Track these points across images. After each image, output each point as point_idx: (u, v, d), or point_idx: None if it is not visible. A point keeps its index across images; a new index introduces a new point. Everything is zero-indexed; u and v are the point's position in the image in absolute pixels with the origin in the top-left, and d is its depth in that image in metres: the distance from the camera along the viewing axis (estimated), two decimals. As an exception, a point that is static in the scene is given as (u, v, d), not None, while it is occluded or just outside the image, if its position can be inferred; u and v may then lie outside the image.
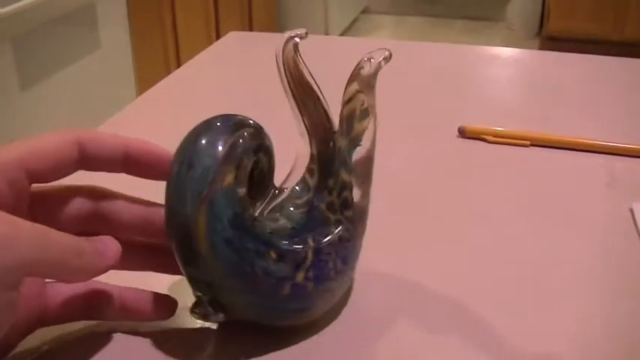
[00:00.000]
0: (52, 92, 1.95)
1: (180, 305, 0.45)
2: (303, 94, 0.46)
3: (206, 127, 0.42)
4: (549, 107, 0.80)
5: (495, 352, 0.43)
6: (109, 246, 0.41)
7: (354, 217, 0.45)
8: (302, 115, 0.46)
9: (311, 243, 0.43)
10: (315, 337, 0.44)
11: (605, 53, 0.95)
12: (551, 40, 3.80)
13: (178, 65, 2.53)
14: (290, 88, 0.46)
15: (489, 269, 0.52)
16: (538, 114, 0.78)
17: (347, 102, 0.46)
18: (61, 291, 0.43)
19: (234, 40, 1.02)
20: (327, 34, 3.75)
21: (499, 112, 0.78)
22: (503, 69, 0.93)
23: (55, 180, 0.42)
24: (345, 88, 0.46)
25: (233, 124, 0.42)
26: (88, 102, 2.08)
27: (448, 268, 0.52)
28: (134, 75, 2.34)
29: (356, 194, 0.45)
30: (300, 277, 0.43)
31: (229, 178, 0.40)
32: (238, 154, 0.41)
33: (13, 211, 0.36)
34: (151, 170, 0.44)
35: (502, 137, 0.70)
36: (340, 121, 0.46)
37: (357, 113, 0.46)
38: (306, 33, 0.46)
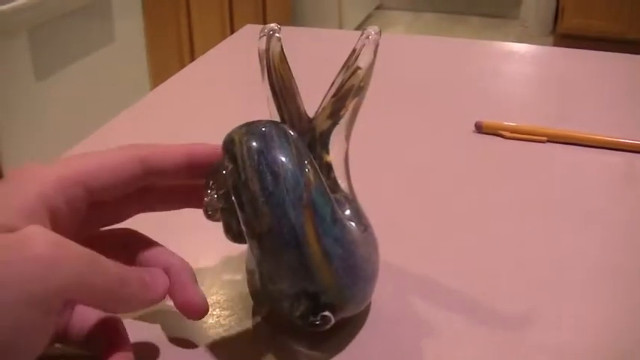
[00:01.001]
0: (67, 83, 1.96)
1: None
2: (283, 87, 0.45)
3: (257, 137, 0.40)
4: (565, 104, 0.79)
5: (514, 348, 0.43)
6: (158, 280, 0.40)
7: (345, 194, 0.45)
8: (281, 107, 0.45)
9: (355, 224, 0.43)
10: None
11: (620, 51, 0.95)
12: (566, 38, 3.78)
13: (192, 58, 2.53)
14: (272, 80, 0.45)
15: (506, 265, 0.51)
16: (554, 110, 0.77)
17: (348, 78, 0.46)
18: (87, 316, 0.41)
19: (249, 33, 1.02)
20: (341, 29, 3.74)
21: (515, 108, 0.78)
22: (520, 65, 0.92)
23: (115, 197, 0.42)
24: (345, 66, 0.46)
25: (270, 124, 0.41)
26: (101, 94, 2.08)
27: (464, 263, 0.51)
28: (148, 68, 2.34)
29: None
30: (374, 256, 0.44)
31: (312, 176, 0.39)
32: (303, 151, 0.40)
33: (66, 227, 0.36)
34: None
35: (519, 133, 0.70)
36: (328, 101, 0.46)
37: (353, 90, 0.45)
38: (279, 27, 0.45)
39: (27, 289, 0.32)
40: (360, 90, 0.45)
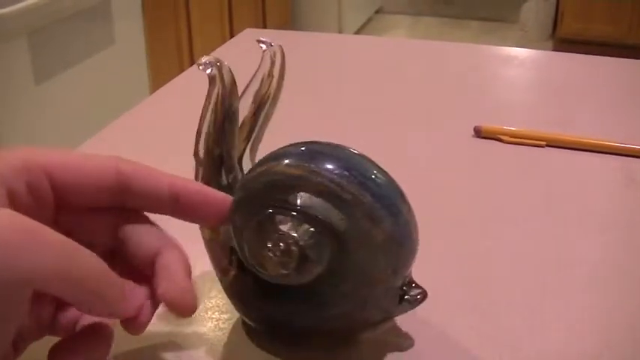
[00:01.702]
0: (67, 87, 1.96)
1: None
2: (230, 118, 0.45)
3: (310, 156, 0.40)
4: (564, 108, 0.79)
5: (512, 352, 0.43)
6: (136, 296, 0.38)
7: None
8: (220, 138, 0.44)
9: None
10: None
11: (620, 56, 0.95)
12: (565, 43, 3.79)
13: (192, 62, 2.54)
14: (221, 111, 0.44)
15: (505, 269, 0.51)
16: (553, 115, 0.77)
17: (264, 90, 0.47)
18: (74, 314, 0.39)
19: (250, 37, 1.02)
20: (340, 32, 3.75)
21: (514, 113, 0.78)
22: (519, 69, 0.92)
23: (86, 204, 0.39)
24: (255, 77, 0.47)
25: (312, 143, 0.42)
26: (101, 97, 2.08)
27: (463, 268, 0.52)
28: (147, 71, 2.34)
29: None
30: None
31: None
32: None
33: (37, 218, 0.33)
34: (204, 214, 0.41)
35: (518, 137, 0.70)
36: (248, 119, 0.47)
37: (268, 101, 0.47)
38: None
39: None
40: (274, 100, 0.47)
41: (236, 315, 0.46)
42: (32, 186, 0.37)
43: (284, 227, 0.38)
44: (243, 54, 1.02)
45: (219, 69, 0.43)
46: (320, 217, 0.38)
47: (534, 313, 0.47)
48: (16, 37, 1.76)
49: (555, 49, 3.76)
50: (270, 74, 0.47)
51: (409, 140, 0.71)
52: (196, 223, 0.42)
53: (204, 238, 0.44)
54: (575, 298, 0.49)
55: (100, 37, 2.10)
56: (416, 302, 0.42)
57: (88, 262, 0.34)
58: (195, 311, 0.38)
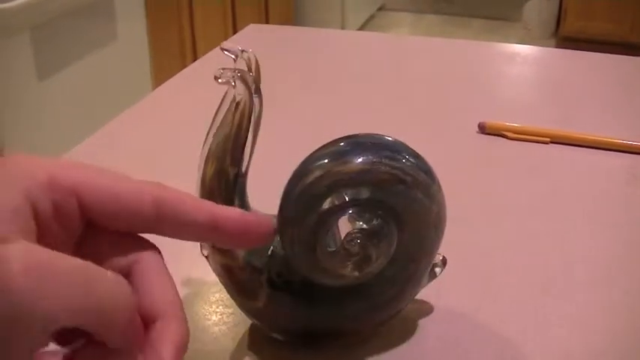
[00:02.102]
0: (69, 83, 1.96)
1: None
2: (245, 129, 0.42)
3: (362, 148, 0.40)
4: (568, 105, 0.79)
5: (517, 348, 0.43)
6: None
7: None
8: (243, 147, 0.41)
9: None
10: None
11: (622, 55, 0.95)
12: (568, 41, 3.78)
13: (194, 58, 2.53)
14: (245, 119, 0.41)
15: (509, 265, 0.51)
16: (557, 112, 0.77)
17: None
18: None
19: (253, 32, 1.02)
20: (343, 29, 3.74)
21: (518, 109, 0.78)
22: (523, 66, 0.92)
23: (117, 228, 0.36)
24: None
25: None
26: (103, 93, 2.08)
27: (467, 263, 0.51)
28: (150, 67, 2.34)
29: None
30: None
31: None
32: None
33: (59, 241, 0.32)
34: (245, 240, 0.38)
35: (522, 134, 0.70)
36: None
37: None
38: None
39: (2, 326, 0.28)
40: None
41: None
42: (58, 205, 0.34)
43: (355, 225, 0.38)
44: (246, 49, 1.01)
45: (245, 81, 0.39)
46: (389, 205, 0.38)
47: (538, 309, 0.47)
48: (18, 32, 1.76)
49: (558, 48, 3.76)
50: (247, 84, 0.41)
51: (414, 136, 0.70)
52: (238, 248, 0.40)
53: (217, 268, 0.42)
54: (580, 294, 0.48)
55: (103, 34, 2.10)
56: (441, 269, 0.44)
57: (107, 288, 0.32)
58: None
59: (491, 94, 0.83)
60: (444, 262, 0.45)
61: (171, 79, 0.86)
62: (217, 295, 0.47)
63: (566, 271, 0.51)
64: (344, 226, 0.38)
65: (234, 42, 1.02)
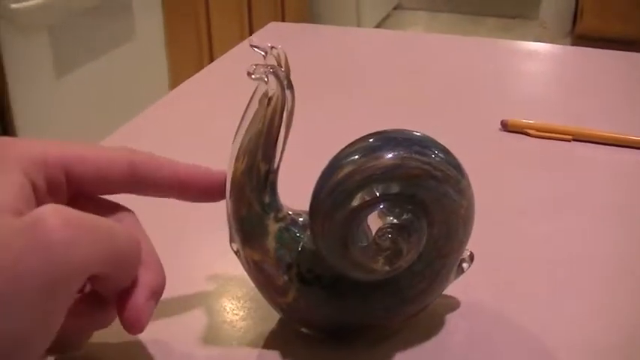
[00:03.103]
0: (87, 81, 1.97)
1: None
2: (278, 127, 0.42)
3: (393, 144, 0.40)
4: (588, 103, 0.79)
5: (543, 343, 0.43)
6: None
7: None
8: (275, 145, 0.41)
9: None
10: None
11: (640, 54, 0.94)
12: (584, 40, 3.77)
13: (211, 56, 2.54)
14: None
15: (531, 262, 0.51)
16: (577, 109, 0.77)
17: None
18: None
19: (273, 31, 1.02)
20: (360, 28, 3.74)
21: (538, 107, 0.78)
22: (542, 64, 0.92)
23: (99, 193, 0.41)
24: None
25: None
26: (121, 92, 2.09)
27: (490, 260, 0.51)
28: (167, 65, 2.35)
29: None
30: None
31: None
32: None
33: None
34: (208, 195, 0.43)
35: (544, 131, 0.70)
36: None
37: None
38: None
39: (47, 277, 0.31)
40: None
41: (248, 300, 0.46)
42: (50, 180, 0.38)
43: (385, 220, 0.38)
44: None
45: (278, 77, 0.40)
46: (419, 199, 0.39)
47: (564, 305, 0.47)
48: (36, 30, 1.78)
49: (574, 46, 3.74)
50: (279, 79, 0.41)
51: (436, 133, 0.70)
52: (204, 202, 0.44)
53: (247, 262, 0.42)
54: (605, 290, 0.48)
55: (121, 32, 2.11)
56: (468, 264, 0.44)
57: (125, 239, 0.36)
58: (141, 332, 0.37)
59: (511, 91, 0.83)
60: (472, 257, 0.45)
61: (189, 80, 0.87)
62: (244, 290, 0.48)
63: (591, 268, 0.51)
64: (374, 221, 0.38)
65: (254, 40, 1.02)
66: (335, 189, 0.38)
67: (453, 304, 0.46)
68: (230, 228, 0.42)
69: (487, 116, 0.73)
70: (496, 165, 0.65)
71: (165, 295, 0.41)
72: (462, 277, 0.45)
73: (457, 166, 0.41)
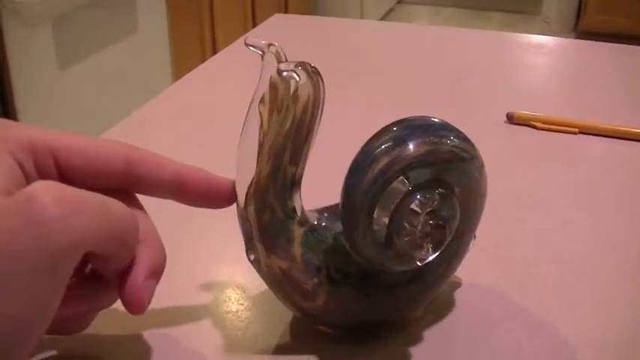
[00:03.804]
0: (90, 73, 1.97)
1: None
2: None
3: (421, 130, 0.39)
4: (594, 96, 0.79)
5: (551, 335, 0.43)
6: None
7: None
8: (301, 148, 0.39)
9: None
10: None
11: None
12: (588, 35, 3.76)
13: (214, 48, 2.54)
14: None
15: (538, 255, 0.51)
16: (583, 102, 0.77)
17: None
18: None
19: (277, 22, 1.02)
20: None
21: (544, 100, 0.78)
22: (547, 57, 0.92)
23: (93, 187, 0.37)
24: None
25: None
26: (124, 84, 2.09)
27: (495, 253, 0.51)
28: (170, 58, 2.35)
29: None
30: None
31: None
32: None
33: None
34: (209, 200, 0.42)
35: (550, 124, 0.70)
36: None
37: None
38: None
39: (43, 255, 0.30)
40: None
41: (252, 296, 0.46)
42: (38, 164, 0.37)
43: (425, 207, 0.38)
44: (273, 39, 1.01)
45: (307, 71, 0.37)
46: (450, 182, 0.39)
47: (571, 298, 0.47)
48: (40, 23, 1.77)
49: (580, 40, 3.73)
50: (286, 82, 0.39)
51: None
52: (202, 207, 0.42)
53: (271, 271, 0.40)
54: (612, 283, 0.48)
55: (124, 25, 2.11)
56: (473, 242, 0.44)
57: (121, 214, 0.35)
58: (143, 312, 0.37)
59: (517, 84, 0.83)
60: (474, 236, 0.44)
61: (191, 72, 0.86)
62: (249, 280, 0.47)
63: (596, 262, 0.51)
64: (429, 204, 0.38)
65: (259, 31, 1.02)
66: (374, 183, 0.37)
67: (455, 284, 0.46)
68: (246, 237, 0.41)
69: (493, 109, 0.73)
70: (502, 158, 0.65)
71: (169, 285, 0.40)
72: (468, 271, 0.45)
73: (474, 146, 0.41)
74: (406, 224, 0.38)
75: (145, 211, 0.41)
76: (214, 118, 0.73)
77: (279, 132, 0.38)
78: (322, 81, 0.38)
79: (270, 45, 0.39)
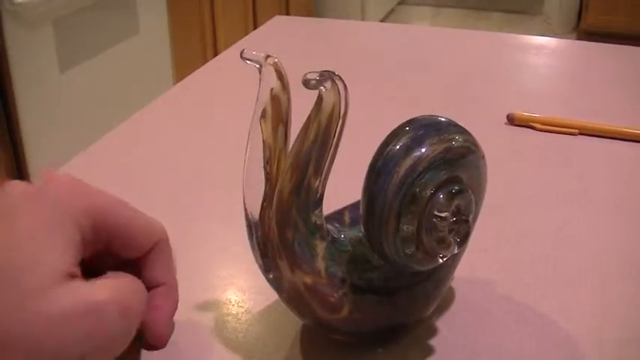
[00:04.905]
0: (91, 75, 1.97)
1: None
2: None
3: (433, 129, 0.39)
4: (595, 97, 0.79)
5: (549, 337, 0.43)
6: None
7: None
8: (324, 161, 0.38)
9: None
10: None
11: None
12: (589, 35, 3.76)
13: (215, 50, 2.54)
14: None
15: (538, 255, 0.51)
16: (583, 103, 0.77)
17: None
18: None
19: (277, 25, 1.02)
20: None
21: (544, 101, 0.78)
22: (548, 58, 0.92)
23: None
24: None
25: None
26: (125, 86, 2.09)
27: (496, 253, 0.51)
28: (171, 60, 2.35)
29: None
30: None
31: None
32: None
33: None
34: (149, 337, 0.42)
35: (551, 125, 0.70)
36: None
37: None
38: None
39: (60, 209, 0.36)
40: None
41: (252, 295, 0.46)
42: (96, 237, 0.39)
43: (451, 203, 0.38)
44: (271, 42, 1.02)
45: (333, 81, 0.36)
46: (465, 177, 0.39)
47: (570, 299, 0.47)
48: (41, 25, 1.77)
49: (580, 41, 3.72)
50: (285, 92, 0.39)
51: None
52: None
53: (294, 287, 0.39)
54: (611, 284, 0.48)
55: (125, 26, 2.11)
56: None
57: (144, 296, 0.40)
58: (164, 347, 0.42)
59: (517, 85, 0.83)
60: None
61: (191, 75, 0.86)
62: (250, 283, 0.47)
63: (596, 262, 0.51)
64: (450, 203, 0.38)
65: (259, 34, 1.02)
66: (402, 186, 0.37)
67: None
68: (262, 255, 0.40)
69: (493, 110, 0.73)
70: (502, 159, 0.65)
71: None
72: (470, 272, 0.45)
73: (475, 139, 0.41)
74: (435, 222, 0.38)
75: (170, 257, 0.43)
76: (215, 120, 0.73)
77: (301, 144, 0.37)
78: (346, 88, 0.37)
79: (267, 57, 0.39)
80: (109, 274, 0.39)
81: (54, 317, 0.33)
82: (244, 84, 0.84)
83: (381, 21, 4.14)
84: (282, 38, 0.95)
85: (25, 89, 1.73)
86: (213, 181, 0.60)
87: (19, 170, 1.74)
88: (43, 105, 1.80)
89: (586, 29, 3.82)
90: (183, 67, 2.30)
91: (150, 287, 0.42)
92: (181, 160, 0.65)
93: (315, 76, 0.35)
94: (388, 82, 0.83)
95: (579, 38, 3.85)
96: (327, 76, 0.36)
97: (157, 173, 0.62)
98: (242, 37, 0.99)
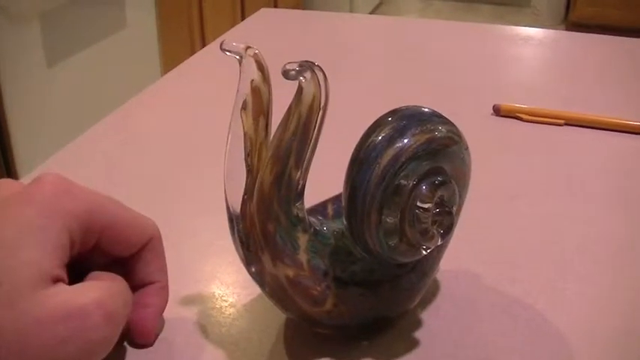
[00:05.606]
0: (78, 69, 1.96)
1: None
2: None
3: (417, 120, 0.39)
4: (581, 88, 0.79)
5: (534, 329, 0.43)
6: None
7: None
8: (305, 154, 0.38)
9: None
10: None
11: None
12: (577, 27, 3.76)
13: (203, 44, 2.53)
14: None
15: (525, 247, 0.51)
16: (570, 94, 0.77)
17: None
18: None
19: (264, 17, 1.01)
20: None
21: (531, 92, 0.78)
22: (535, 49, 0.92)
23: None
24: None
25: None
26: (112, 80, 2.08)
27: (483, 245, 0.51)
28: (159, 54, 2.34)
29: None
30: None
31: None
32: None
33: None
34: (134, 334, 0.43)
35: (536, 116, 0.70)
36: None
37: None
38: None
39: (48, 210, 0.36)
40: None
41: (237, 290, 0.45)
42: (86, 237, 0.38)
43: (434, 194, 0.38)
44: (258, 35, 1.01)
45: (313, 71, 0.36)
46: (448, 167, 0.39)
47: (557, 290, 0.46)
48: (28, 19, 1.76)
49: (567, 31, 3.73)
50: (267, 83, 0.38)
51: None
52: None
53: (276, 280, 0.39)
54: (597, 275, 0.48)
55: (112, 21, 2.10)
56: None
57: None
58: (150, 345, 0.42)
59: (504, 76, 0.83)
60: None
61: (179, 66, 0.86)
62: (233, 277, 0.47)
63: (582, 252, 0.51)
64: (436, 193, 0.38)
65: (246, 26, 1.02)
66: (384, 177, 0.37)
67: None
68: (245, 249, 0.39)
69: (479, 101, 0.73)
70: (488, 150, 0.65)
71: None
72: (456, 264, 0.45)
73: (459, 130, 0.41)
74: (418, 213, 0.37)
75: (162, 256, 0.43)
76: (202, 111, 0.73)
77: (282, 136, 0.36)
78: (326, 79, 0.36)
79: (247, 48, 0.38)
80: (94, 274, 0.39)
81: (40, 319, 0.33)
82: (230, 76, 0.83)
83: (370, 14, 4.14)
84: (269, 31, 0.94)
85: (12, 84, 1.72)
86: (198, 174, 0.59)
87: (7, 165, 1.73)
88: (31, 100, 1.79)
89: (574, 21, 3.83)
90: (171, 62, 2.29)
91: (141, 285, 0.42)
92: (166, 152, 0.64)
93: (295, 66, 0.35)
94: (374, 74, 0.83)
95: (568, 30, 3.86)
96: (306, 66, 0.35)
97: (140, 166, 0.62)
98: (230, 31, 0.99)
